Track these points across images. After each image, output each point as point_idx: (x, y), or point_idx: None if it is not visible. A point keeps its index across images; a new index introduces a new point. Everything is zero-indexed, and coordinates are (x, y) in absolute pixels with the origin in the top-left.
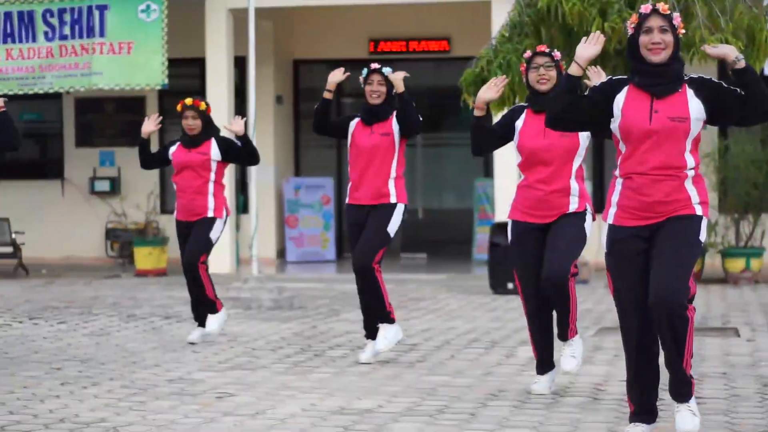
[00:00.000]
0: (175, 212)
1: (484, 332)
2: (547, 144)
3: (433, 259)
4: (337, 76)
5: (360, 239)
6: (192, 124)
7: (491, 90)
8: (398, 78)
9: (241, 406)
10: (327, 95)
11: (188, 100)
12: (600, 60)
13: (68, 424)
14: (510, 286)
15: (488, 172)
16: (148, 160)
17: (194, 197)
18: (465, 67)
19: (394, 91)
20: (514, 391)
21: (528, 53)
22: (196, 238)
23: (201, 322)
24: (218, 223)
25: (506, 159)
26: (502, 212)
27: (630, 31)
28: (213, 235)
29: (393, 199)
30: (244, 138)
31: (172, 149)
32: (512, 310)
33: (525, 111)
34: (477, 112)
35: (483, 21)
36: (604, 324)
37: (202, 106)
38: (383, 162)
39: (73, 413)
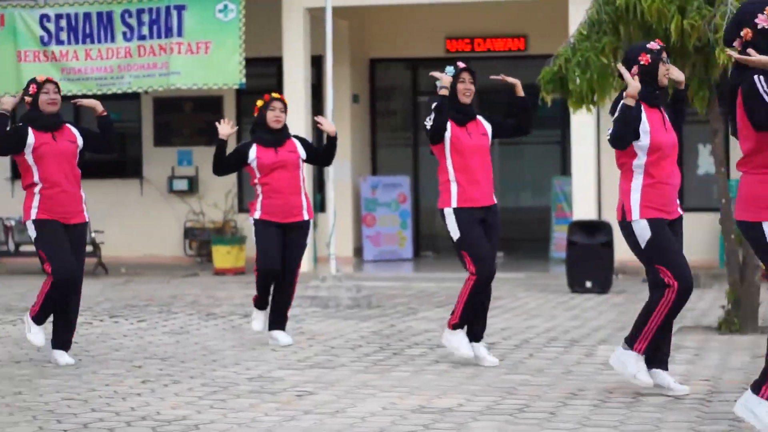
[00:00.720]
0: (260, 213)
1: (563, 331)
2: (671, 138)
3: (510, 258)
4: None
5: (487, 246)
6: (280, 116)
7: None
8: (517, 82)
9: (321, 405)
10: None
11: (275, 94)
12: (679, 58)
13: (150, 421)
14: (588, 284)
15: (565, 170)
16: (223, 164)
17: (289, 198)
18: (541, 65)
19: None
20: (594, 390)
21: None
22: (298, 244)
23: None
24: (311, 226)
25: (584, 157)
26: (579, 210)
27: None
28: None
29: (495, 199)
30: (333, 139)
31: (253, 151)
32: (591, 308)
33: (641, 107)
34: (629, 102)
35: (559, 19)
36: (684, 323)
37: (286, 101)
38: (487, 161)
39: (154, 411)
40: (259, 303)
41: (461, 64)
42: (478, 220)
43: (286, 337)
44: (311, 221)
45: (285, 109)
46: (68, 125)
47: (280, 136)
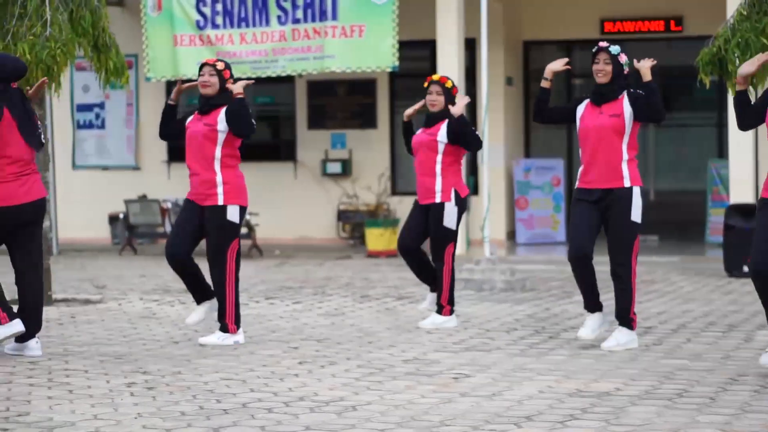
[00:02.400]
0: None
1: (721, 315)
2: None
3: (665, 241)
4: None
5: (608, 233)
6: (435, 100)
7: (753, 65)
8: (645, 67)
9: (478, 387)
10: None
11: (435, 76)
12: None
13: (308, 402)
14: (746, 269)
15: (722, 152)
16: (408, 142)
17: (423, 179)
18: (698, 46)
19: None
20: (754, 376)
21: None
22: (433, 226)
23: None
24: (448, 208)
25: (742, 140)
26: (736, 194)
27: None
28: (447, 222)
29: (627, 183)
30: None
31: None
32: (748, 293)
33: None
34: (740, 87)
35: None
36: None
37: (449, 83)
38: (613, 144)
39: (312, 392)
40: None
41: (602, 44)
42: (588, 202)
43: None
44: (445, 203)
45: (443, 92)
46: (223, 108)
47: (433, 118)
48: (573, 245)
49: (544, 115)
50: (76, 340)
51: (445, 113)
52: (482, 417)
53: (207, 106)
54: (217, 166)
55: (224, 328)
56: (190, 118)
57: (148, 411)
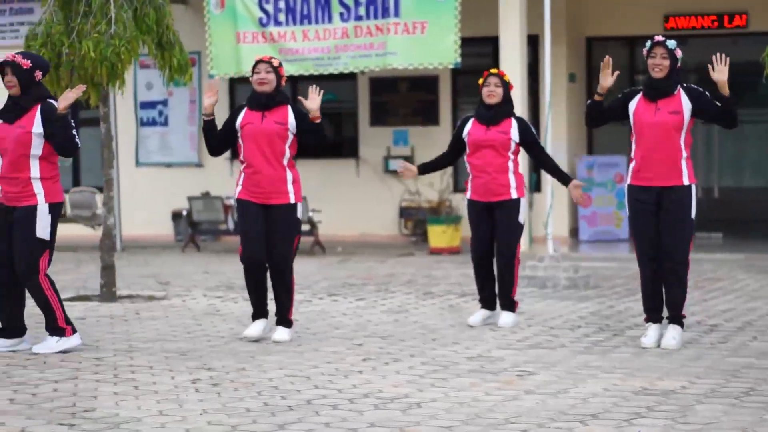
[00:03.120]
0: (469, 192)
1: None
2: None
3: (729, 239)
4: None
5: (666, 231)
6: (494, 91)
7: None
8: (722, 81)
9: (543, 385)
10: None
11: (493, 69)
12: None
13: (372, 399)
14: None
15: None
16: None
17: (495, 177)
18: (763, 42)
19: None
20: None
21: None
22: (507, 224)
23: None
24: (522, 204)
25: None
26: None
27: None
28: (521, 218)
29: (686, 180)
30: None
31: (468, 127)
32: None
33: None
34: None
35: None
36: None
37: (507, 77)
38: (672, 141)
39: (376, 388)
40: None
41: (658, 38)
42: (647, 204)
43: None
44: (520, 199)
45: (501, 84)
46: (288, 106)
47: (496, 113)
48: (641, 249)
49: (596, 123)
50: (140, 337)
51: (509, 110)
52: (547, 415)
53: (271, 102)
54: (286, 164)
55: (288, 324)
56: (241, 115)
57: (213, 407)
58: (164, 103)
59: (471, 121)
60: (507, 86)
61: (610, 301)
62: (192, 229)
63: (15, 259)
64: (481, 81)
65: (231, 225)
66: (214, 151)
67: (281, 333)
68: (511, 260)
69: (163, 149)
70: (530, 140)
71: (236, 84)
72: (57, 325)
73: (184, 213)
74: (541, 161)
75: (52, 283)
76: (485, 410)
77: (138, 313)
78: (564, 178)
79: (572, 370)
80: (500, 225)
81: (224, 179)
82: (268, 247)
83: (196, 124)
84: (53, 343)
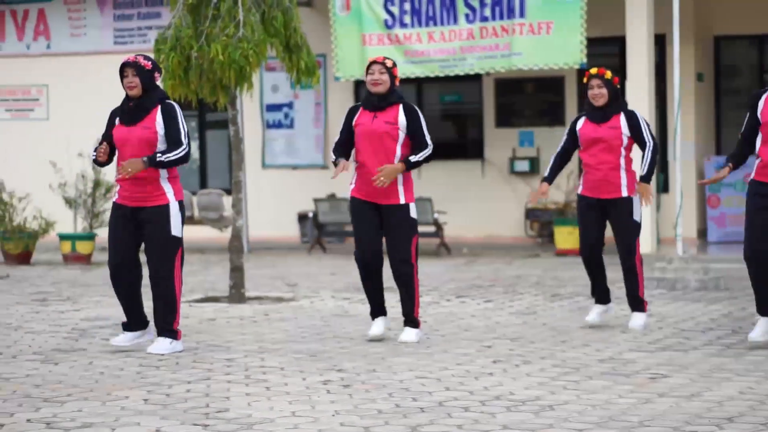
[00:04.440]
0: (581, 188)
1: None
2: None
3: None
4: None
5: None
6: (598, 93)
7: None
8: None
9: (676, 388)
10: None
11: (593, 70)
12: None
13: (504, 401)
14: None
15: None
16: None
17: (607, 173)
18: None
19: None
20: None
21: None
22: (623, 222)
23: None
24: (636, 201)
25: None
26: None
27: None
28: (637, 216)
29: None
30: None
31: (580, 124)
32: None
33: None
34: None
35: None
36: None
37: (608, 75)
38: None
39: (507, 391)
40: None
41: None
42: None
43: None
44: (633, 198)
45: (604, 84)
46: (400, 106)
47: (607, 111)
48: (753, 244)
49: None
50: (270, 338)
51: (619, 107)
52: (682, 418)
53: (383, 103)
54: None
55: (415, 323)
56: (356, 115)
57: (345, 408)
58: (290, 105)
59: (583, 118)
60: (611, 83)
61: (742, 303)
62: (318, 231)
63: (148, 259)
64: (585, 80)
65: None
66: (344, 154)
67: (408, 333)
68: (633, 260)
69: (288, 151)
70: (635, 131)
71: (361, 87)
72: (173, 328)
73: (310, 215)
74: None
75: (181, 285)
76: (618, 413)
77: (267, 314)
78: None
79: (706, 373)
80: (616, 225)
81: (349, 181)
82: (388, 248)
83: (321, 126)
84: (167, 345)
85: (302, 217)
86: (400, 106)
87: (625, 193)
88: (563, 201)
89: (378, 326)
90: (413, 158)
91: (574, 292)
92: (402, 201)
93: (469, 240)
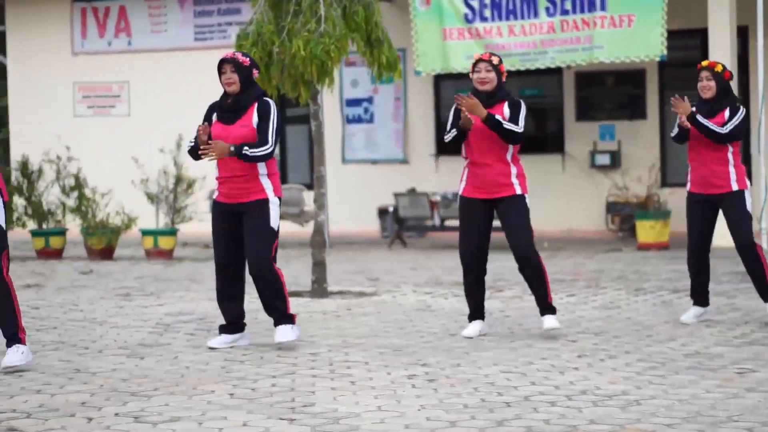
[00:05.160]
0: (689, 185)
1: None
2: None
3: None
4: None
5: None
6: (706, 85)
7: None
8: None
9: (764, 383)
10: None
11: (704, 62)
12: None
13: (590, 396)
14: None
15: None
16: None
17: (714, 169)
18: None
19: None
20: None
21: None
22: (736, 220)
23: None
24: (747, 194)
25: None
26: None
27: None
28: (750, 208)
29: None
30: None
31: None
32: None
33: None
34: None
35: None
36: None
37: (718, 67)
38: None
39: (593, 385)
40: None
41: None
42: None
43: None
44: (744, 191)
45: (713, 77)
46: (506, 102)
47: (712, 108)
48: None
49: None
50: (353, 332)
51: (728, 102)
52: None
53: (490, 100)
54: (509, 158)
55: (552, 309)
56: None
57: (430, 403)
58: (369, 100)
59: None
60: (721, 76)
61: None
62: (398, 226)
63: (248, 251)
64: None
65: (437, 221)
66: (454, 148)
67: (550, 321)
68: (753, 251)
69: (368, 146)
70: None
71: (441, 81)
72: (288, 313)
73: (391, 209)
74: None
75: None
76: (706, 407)
77: (349, 309)
78: None
79: None
80: (729, 219)
81: (430, 175)
82: (509, 241)
83: (401, 121)
84: (289, 330)
85: (382, 212)
86: (506, 102)
87: (735, 187)
88: (645, 194)
89: (473, 328)
90: (499, 118)
91: (657, 286)
92: (518, 192)
93: (549, 234)
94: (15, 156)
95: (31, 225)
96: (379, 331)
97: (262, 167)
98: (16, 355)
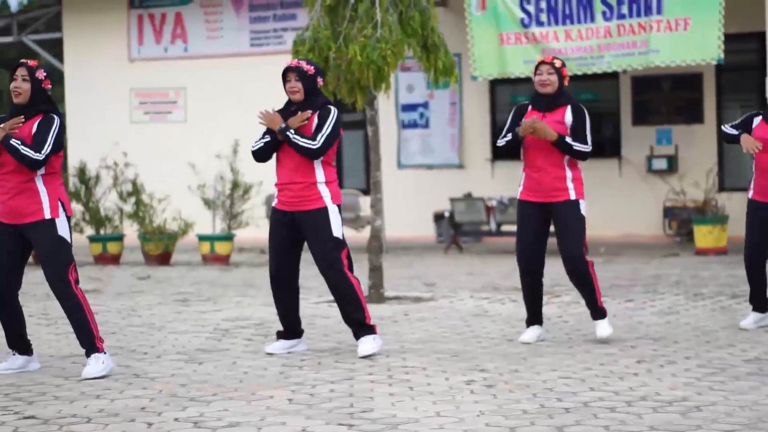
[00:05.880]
0: (751, 192)
1: None
2: None
3: None
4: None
5: None
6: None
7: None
8: None
9: None
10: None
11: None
12: None
13: (650, 402)
14: None
15: None
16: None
17: None
18: None
19: None
20: None
21: None
22: None
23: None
24: None
25: None
26: None
27: None
28: None
29: None
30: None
31: (755, 123)
32: None
33: None
34: None
35: None
36: None
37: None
38: None
39: (653, 391)
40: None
41: None
42: None
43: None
44: None
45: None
46: (568, 106)
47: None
48: None
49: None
50: (411, 338)
51: None
52: None
53: (552, 104)
54: (566, 163)
55: (602, 313)
56: (524, 114)
57: (489, 409)
58: (425, 105)
59: (759, 117)
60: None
61: None
62: (454, 231)
63: (318, 263)
64: None
65: (493, 226)
66: (511, 153)
67: (603, 327)
68: None
69: (424, 151)
70: None
71: (496, 85)
72: (367, 323)
73: (446, 214)
74: None
75: (358, 282)
76: (767, 414)
77: (407, 314)
78: None
79: None
80: None
81: (485, 180)
82: (559, 246)
83: (456, 126)
84: (371, 342)
85: (438, 217)
86: (569, 107)
87: None
88: (702, 199)
89: (531, 333)
90: (569, 140)
91: (715, 291)
92: (572, 197)
93: (606, 239)
94: (72, 162)
95: (89, 231)
96: (437, 337)
97: (320, 175)
98: (96, 366)
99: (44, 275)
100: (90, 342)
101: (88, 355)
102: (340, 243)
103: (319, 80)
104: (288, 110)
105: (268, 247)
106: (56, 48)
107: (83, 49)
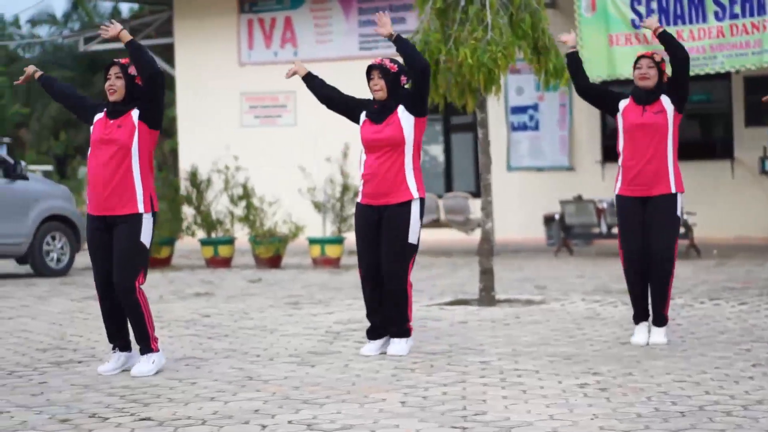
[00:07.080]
0: None
1: None
2: None
3: None
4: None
5: None
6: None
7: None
8: None
9: None
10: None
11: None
12: None
13: (766, 406)
14: None
15: None
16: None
17: None
18: None
19: None
20: None
21: None
22: None
23: None
24: None
25: None
26: None
27: None
28: None
29: None
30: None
31: None
32: None
33: None
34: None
35: None
36: None
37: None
38: None
39: None
40: None
41: None
42: None
43: None
44: None
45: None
46: (664, 97)
47: None
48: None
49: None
50: (523, 341)
51: None
52: None
53: (651, 97)
54: (668, 153)
55: (663, 320)
56: (624, 104)
57: (603, 412)
58: (535, 107)
59: None
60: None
61: None
62: (565, 233)
63: (383, 263)
64: None
65: (604, 228)
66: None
67: (657, 334)
68: None
69: (533, 153)
70: None
71: (607, 87)
72: (405, 327)
73: (557, 217)
74: None
75: (410, 289)
76: None
77: (518, 317)
78: None
79: None
80: None
81: (596, 183)
82: (651, 242)
83: (566, 128)
84: (403, 345)
85: (548, 220)
86: (662, 94)
87: None
88: None
89: (641, 333)
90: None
91: None
92: (673, 190)
93: (718, 241)
94: (184, 166)
95: (200, 234)
96: (549, 339)
97: (408, 160)
98: (146, 365)
99: (113, 272)
100: (146, 342)
101: (142, 353)
102: (412, 248)
103: (403, 78)
104: (372, 108)
105: (356, 244)
106: (167, 53)
107: (194, 54)
